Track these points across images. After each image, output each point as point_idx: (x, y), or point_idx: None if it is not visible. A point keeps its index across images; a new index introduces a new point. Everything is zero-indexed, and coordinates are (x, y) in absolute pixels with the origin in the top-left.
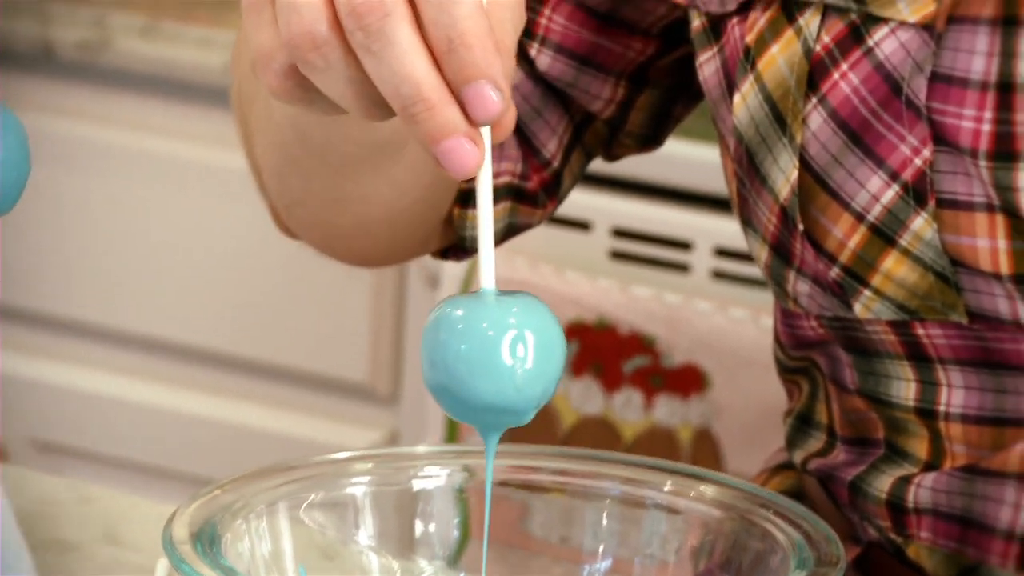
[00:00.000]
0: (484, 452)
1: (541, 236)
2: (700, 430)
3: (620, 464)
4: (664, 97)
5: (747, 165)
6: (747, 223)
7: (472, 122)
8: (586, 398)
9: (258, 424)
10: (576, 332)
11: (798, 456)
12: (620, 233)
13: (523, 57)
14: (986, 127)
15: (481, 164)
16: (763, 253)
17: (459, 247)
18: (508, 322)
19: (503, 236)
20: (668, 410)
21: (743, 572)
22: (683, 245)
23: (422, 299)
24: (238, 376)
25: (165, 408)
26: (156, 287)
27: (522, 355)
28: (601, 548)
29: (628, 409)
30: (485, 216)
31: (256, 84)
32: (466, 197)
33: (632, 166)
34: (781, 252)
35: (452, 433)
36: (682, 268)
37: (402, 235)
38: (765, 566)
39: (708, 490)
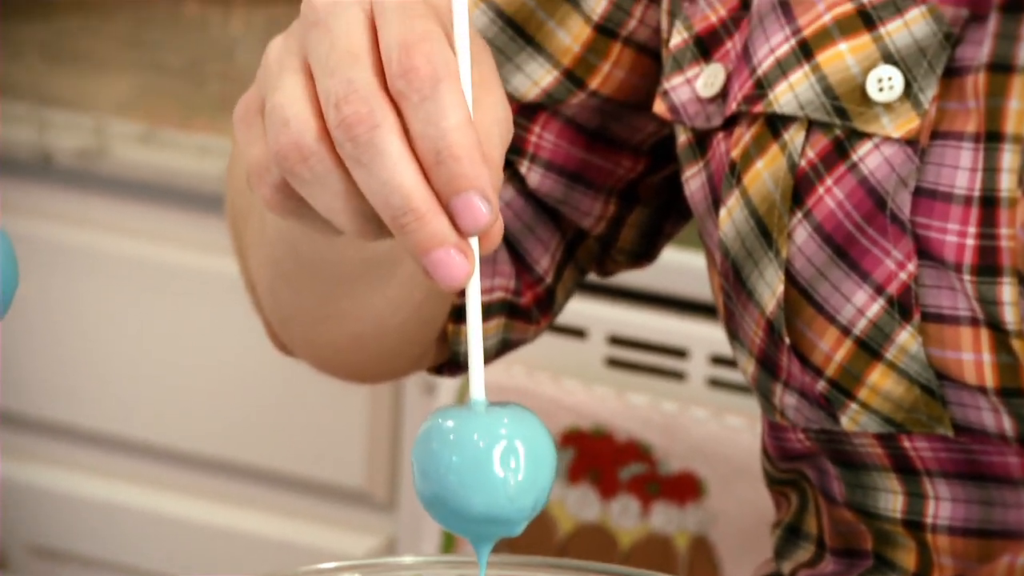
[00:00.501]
0: (475, 562)
1: (538, 344)
2: (697, 537)
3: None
4: (655, 214)
5: (733, 279)
6: (734, 336)
7: (461, 233)
8: (583, 505)
9: (256, 530)
10: (573, 439)
11: (786, 567)
12: (616, 341)
13: (514, 174)
14: (970, 241)
15: (471, 275)
16: (750, 366)
17: (453, 363)
18: (499, 433)
19: (497, 352)
20: (665, 517)
21: None
22: (679, 353)
23: (418, 406)
24: (236, 482)
25: (163, 513)
26: (155, 394)
27: (514, 466)
28: None
29: (625, 516)
30: (474, 326)
31: (250, 199)
32: (460, 313)
33: (627, 274)
34: (768, 365)
35: (449, 540)
36: (678, 376)
37: (396, 352)
38: None
39: None
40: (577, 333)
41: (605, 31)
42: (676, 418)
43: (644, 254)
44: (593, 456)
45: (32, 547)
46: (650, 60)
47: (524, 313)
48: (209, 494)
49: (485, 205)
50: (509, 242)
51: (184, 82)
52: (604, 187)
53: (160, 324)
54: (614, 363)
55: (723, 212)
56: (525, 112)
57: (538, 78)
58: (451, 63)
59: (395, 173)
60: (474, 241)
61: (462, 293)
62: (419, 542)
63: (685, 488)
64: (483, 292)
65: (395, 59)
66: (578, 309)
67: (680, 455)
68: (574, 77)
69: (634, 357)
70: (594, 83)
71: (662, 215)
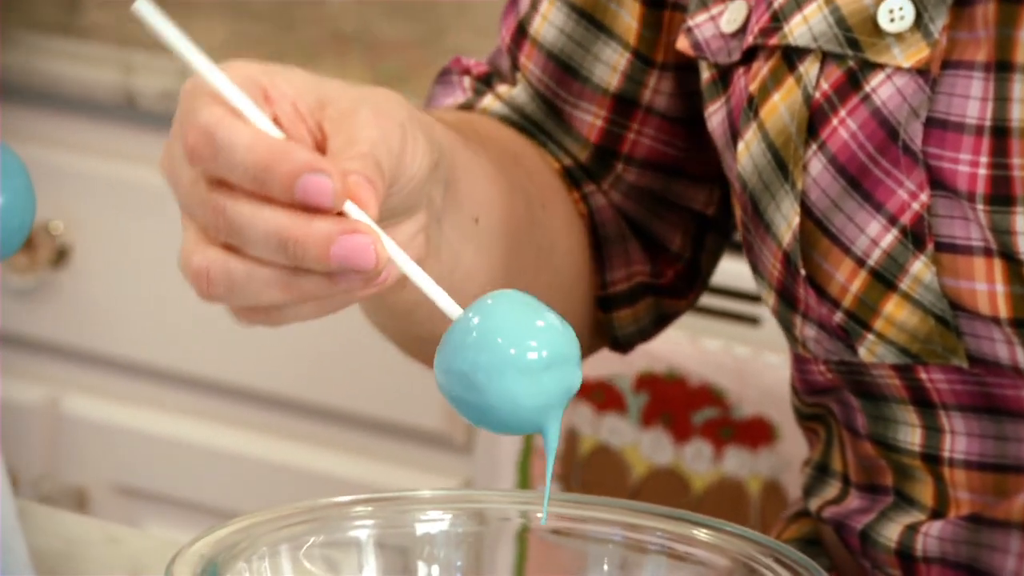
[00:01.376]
0: (491, 497)
1: None
2: (769, 482)
3: (627, 511)
4: None
5: (751, 212)
6: (754, 268)
7: (334, 215)
8: (656, 449)
9: (338, 471)
10: (646, 383)
11: (814, 504)
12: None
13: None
14: (982, 171)
15: (377, 244)
16: (770, 298)
17: (615, 345)
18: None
19: (655, 327)
20: (737, 462)
21: None
22: (752, 298)
23: None
24: (318, 423)
25: (243, 454)
26: (238, 337)
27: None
28: None
29: (698, 460)
30: (411, 268)
31: None
32: (607, 302)
33: None
34: (787, 297)
35: (524, 479)
36: (752, 321)
37: None
38: None
39: (713, 538)
40: None
41: (652, 2)
42: (749, 363)
43: None
44: (666, 400)
45: (114, 486)
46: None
47: (668, 290)
48: (292, 435)
49: (320, 176)
50: (637, 231)
51: (273, 27)
52: (702, 176)
53: None
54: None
55: (741, 146)
56: (620, 110)
57: (613, 63)
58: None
59: (258, 229)
60: (353, 208)
61: (603, 285)
62: (495, 482)
63: (758, 433)
64: (623, 280)
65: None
66: None
67: (753, 400)
68: (640, 55)
69: (708, 302)
70: (659, 57)
71: None
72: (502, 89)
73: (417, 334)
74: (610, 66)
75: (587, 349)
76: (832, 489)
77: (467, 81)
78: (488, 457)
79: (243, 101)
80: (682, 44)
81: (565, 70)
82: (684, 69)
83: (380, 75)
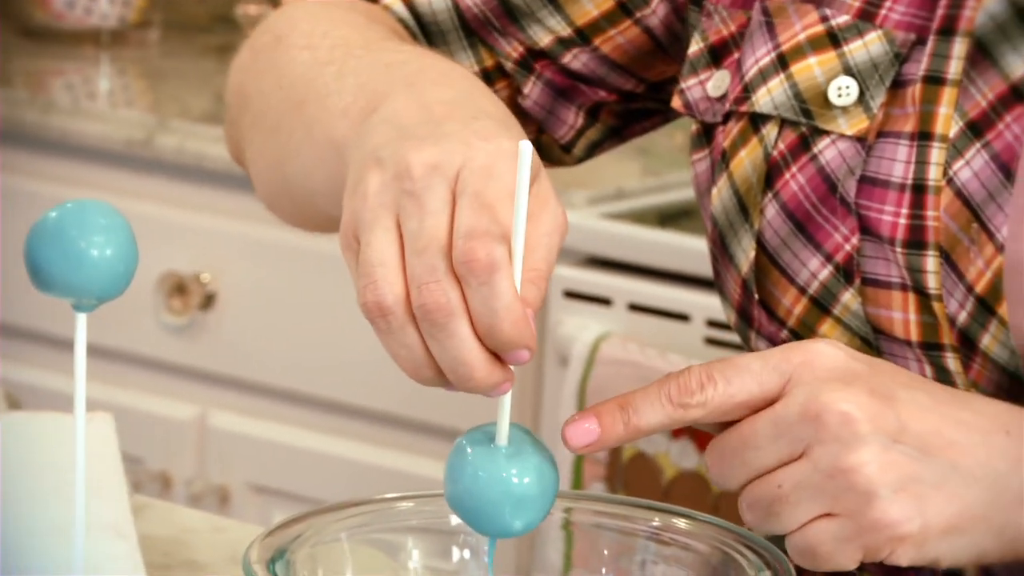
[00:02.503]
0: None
1: (647, 325)
2: None
3: (622, 505)
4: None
5: (719, 245)
6: (721, 292)
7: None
8: (683, 455)
9: (413, 471)
10: None
11: None
12: (713, 324)
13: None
14: (903, 221)
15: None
16: (731, 317)
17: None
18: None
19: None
20: None
21: None
22: None
23: (555, 376)
24: (399, 432)
25: (346, 457)
26: (340, 362)
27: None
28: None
29: None
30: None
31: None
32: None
33: None
34: (744, 316)
35: (578, 480)
36: None
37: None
38: None
39: (692, 527)
40: (681, 317)
41: (624, 9)
42: None
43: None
44: None
45: (250, 485)
46: (650, 42)
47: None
48: (378, 442)
49: (527, 353)
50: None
51: None
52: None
53: (311, 301)
54: (711, 342)
55: (714, 191)
56: (526, 61)
57: (553, 29)
58: (504, 255)
59: (463, 351)
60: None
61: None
62: None
63: None
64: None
65: (461, 247)
66: (681, 297)
67: None
68: (583, 34)
69: (728, 337)
70: (598, 41)
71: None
72: None
73: (311, 216)
74: (547, 29)
75: None
76: None
77: None
78: None
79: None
80: (676, 103)
81: (505, 11)
82: (619, 71)
83: None
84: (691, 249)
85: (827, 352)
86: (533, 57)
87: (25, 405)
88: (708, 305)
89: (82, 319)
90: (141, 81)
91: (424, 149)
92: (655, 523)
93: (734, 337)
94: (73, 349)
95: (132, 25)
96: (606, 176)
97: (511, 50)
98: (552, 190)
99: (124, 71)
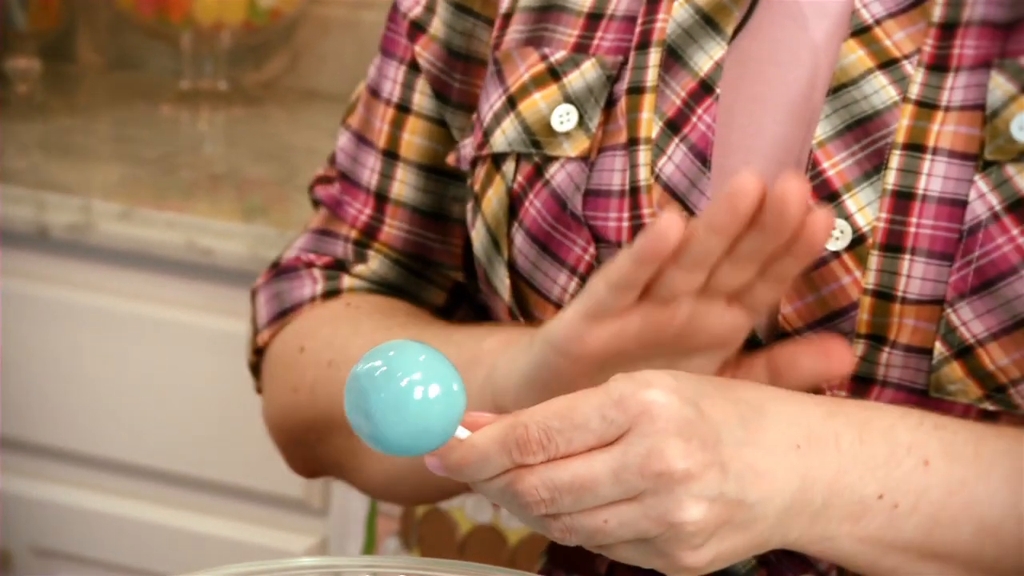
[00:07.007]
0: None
1: None
2: None
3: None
4: None
5: (484, 279)
6: (496, 320)
7: None
8: (478, 510)
9: (213, 532)
10: None
11: None
12: None
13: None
14: (625, 224)
15: None
16: None
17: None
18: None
19: None
20: None
21: None
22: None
23: None
24: (198, 493)
25: (141, 520)
26: (133, 421)
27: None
28: None
29: (512, 518)
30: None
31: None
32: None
33: None
34: None
35: (370, 542)
36: None
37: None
38: None
39: None
40: None
41: (402, 108)
42: None
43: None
44: None
45: (33, 548)
46: (438, 126)
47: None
48: (176, 504)
49: None
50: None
51: (158, 170)
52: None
53: (134, 365)
54: None
55: (473, 233)
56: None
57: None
58: None
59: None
60: None
61: None
62: (346, 542)
63: None
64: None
65: None
66: None
67: None
68: (391, 153)
69: None
70: (402, 152)
71: None
72: (359, 269)
73: (438, 484)
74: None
75: None
76: None
77: (316, 272)
78: (340, 520)
79: None
80: (451, 159)
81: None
82: (427, 161)
83: (247, 207)
84: None
85: (661, 402)
86: None
87: None
88: None
89: None
90: None
91: None
92: None
93: None
94: None
95: None
96: None
97: None
98: None
99: None
